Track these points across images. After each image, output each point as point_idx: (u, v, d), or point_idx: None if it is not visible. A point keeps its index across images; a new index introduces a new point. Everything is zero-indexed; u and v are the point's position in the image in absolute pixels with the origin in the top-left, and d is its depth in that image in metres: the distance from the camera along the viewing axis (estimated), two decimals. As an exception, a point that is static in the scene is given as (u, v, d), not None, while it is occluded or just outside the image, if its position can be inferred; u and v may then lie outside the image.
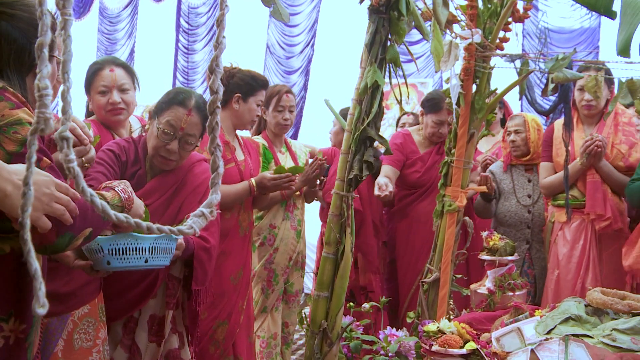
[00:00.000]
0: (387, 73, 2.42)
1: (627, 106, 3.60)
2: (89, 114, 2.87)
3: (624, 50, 1.44)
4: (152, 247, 1.72)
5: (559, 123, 3.63)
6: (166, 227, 0.76)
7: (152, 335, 2.40)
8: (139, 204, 1.82)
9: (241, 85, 3.10)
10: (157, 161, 2.36)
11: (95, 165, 2.23)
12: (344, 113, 2.94)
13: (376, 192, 3.51)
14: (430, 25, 2.37)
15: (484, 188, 3.51)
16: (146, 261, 1.73)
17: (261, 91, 3.15)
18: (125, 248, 1.69)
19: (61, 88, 0.73)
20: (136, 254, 1.70)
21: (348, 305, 2.85)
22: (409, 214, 4.00)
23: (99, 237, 1.64)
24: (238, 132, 3.28)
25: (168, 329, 2.44)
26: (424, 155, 4.01)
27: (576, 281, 3.41)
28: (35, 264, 0.71)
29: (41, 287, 0.70)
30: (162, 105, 2.35)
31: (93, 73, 2.65)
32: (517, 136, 3.81)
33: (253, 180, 3.07)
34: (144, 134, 2.50)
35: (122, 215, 0.73)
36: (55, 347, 1.97)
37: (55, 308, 1.90)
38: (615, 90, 2.79)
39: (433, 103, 3.93)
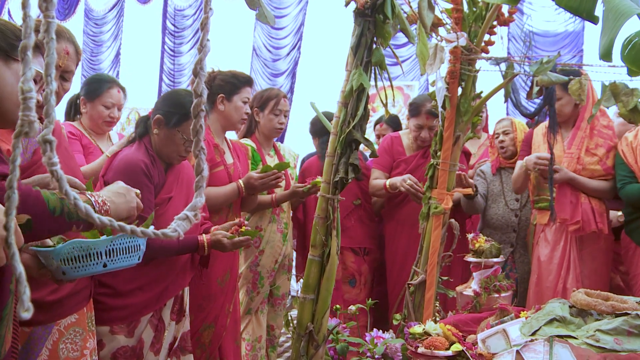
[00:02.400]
0: (372, 76, 2.42)
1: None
2: (73, 113, 3.13)
3: (606, 55, 1.45)
4: (109, 251, 1.58)
5: (538, 129, 3.69)
6: (150, 231, 0.76)
7: (173, 314, 2.57)
8: (125, 201, 1.73)
9: (223, 85, 3.10)
10: (175, 161, 2.57)
11: (143, 195, 2.31)
12: (327, 116, 2.94)
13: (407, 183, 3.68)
14: (415, 29, 2.38)
15: (469, 190, 3.53)
16: (105, 265, 1.59)
17: (245, 88, 3.14)
18: (78, 256, 1.55)
19: (45, 91, 0.73)
20: (90, 260, 1.56)
21: (334, 307, 2.85)
22: (394, 217, 4.00)
23: (48, 249, 1.56)
24: (227, 135, 3.27)
25: (186, 306, 2.62)
26: (409, 158, 4.01)
27: (557, 282, 3.44)
28: (20, 267, 0.71)
29: (25, 292, 0.69)
30: (181, 117, 2.47)
31: (107, 88, 3.20)
32: (506, 137, 3.89)
33: (241, 181, 3.06)
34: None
35: (105, 218, 0.72)
36: (39, 357, 1.93)
37: (39, 316, 1.89)
38: (598, 94, 2.82)
39: (413, 107, 3.97)
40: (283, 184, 3.51)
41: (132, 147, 2.53)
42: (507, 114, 7.39)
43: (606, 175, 3.46)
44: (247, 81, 3.18)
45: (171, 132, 2.48)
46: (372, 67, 2.41)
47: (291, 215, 3.86)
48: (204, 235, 2.56)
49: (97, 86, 3.21)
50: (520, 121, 4.06)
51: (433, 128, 3.86)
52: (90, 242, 1.57)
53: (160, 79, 9.81)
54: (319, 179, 3.36)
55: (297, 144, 4.95)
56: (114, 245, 1.59)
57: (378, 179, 3.99)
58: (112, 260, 1.59)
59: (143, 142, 2.53)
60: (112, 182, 2.38)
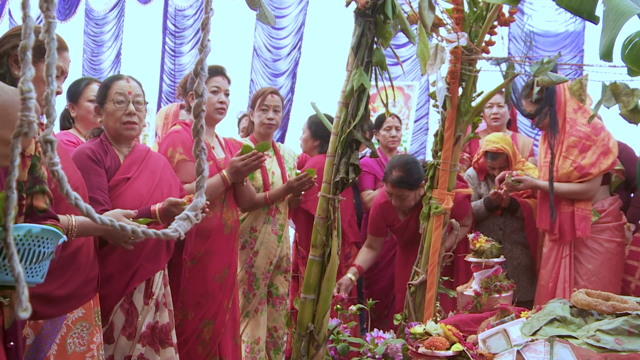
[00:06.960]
0: (373, 76, 2.42)
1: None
2: (67, 125, 3.15)
3: (606, 55, 1.45)
4: None
5: (540, 139, 3.74)
6: (151, 231, 0.76)
7: (146, 298, 2.58)
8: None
9: (191, 82, 3.15)
10: (124, 130, 2.63)
11: (91, 178, 2.44)
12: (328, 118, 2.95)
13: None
14: (416, 29, 2.38)
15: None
16: None
17: (211, 78, 3.12)
18: None
19: (45, 91, 0.73)
20: None
21: (335, 307, 2.85)
22: None
23: None
24: (223, 134, 3.29)
25: (157, 287, 2.61)
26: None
27: (549, 281, 3.52)
28: (18, 267, 0.71)
29: (24, 291, 0.69)
30: (101, 90, 2.67)
31: (85, 85, 3.16)
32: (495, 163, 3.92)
33: (224, 171, 3.05)
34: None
35: (106, 218, 0.72)
36: (48, 352, 1.96)
37: (48, 310, 1.92)
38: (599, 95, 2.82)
39: (384, 172, 3.71)
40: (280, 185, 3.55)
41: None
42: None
43: (583, 177, 3.42)
44: (214, 71, 3.14)
45: (107, 106, 2.63)
46: (373, 67, 2.41)
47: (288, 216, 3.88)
48: (157, 205, 2.57)
49: (77, 87, 3.22)
50: (502, 136, 3.97)
51: (404, 198, 3.58)
52: None
53: (161, 79, 9.82)
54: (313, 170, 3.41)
55: (298, 143, 4.95)
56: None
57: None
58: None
59: (99, 138, 2.67)
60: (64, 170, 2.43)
